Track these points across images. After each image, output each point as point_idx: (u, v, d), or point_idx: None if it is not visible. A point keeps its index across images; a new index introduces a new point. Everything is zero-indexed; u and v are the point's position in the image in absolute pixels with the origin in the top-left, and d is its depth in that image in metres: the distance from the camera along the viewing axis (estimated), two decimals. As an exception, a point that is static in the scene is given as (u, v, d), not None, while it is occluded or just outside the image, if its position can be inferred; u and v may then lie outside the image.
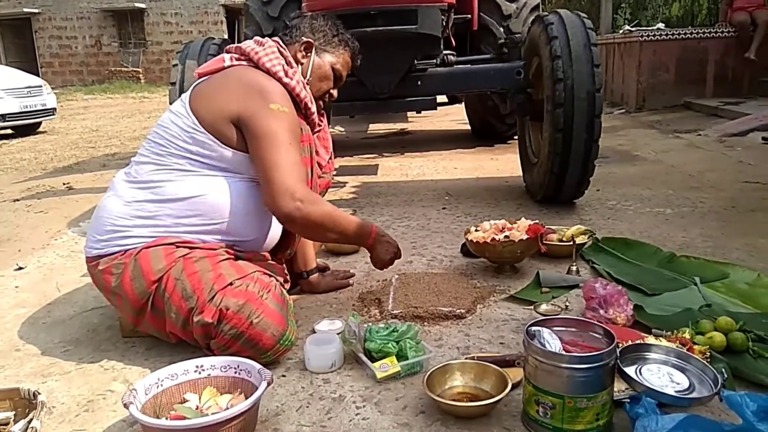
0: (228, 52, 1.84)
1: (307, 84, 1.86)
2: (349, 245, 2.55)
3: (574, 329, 1.38)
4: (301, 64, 1.87)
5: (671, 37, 7.09)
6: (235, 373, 1.42)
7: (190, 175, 1.68)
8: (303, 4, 3.16)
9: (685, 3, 12.00)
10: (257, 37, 1.86)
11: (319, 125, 1.97)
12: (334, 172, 4.17)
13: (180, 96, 1.86)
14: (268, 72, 1.76)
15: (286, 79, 1.77)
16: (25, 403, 1.41)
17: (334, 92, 2.00)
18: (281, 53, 1.81)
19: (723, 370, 1.38)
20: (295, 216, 1.64)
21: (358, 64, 2.03)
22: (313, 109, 1.88)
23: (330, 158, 2.05)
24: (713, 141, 5.06)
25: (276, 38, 1.88)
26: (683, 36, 7.06)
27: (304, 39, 1.88)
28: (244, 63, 1.80)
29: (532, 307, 1.88)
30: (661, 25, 8.56)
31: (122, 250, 1.64)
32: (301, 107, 1.83)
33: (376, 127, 7.07)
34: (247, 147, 1.69)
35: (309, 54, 1.89)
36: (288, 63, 1.81)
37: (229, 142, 1.68)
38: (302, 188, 1.66)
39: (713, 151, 4.64)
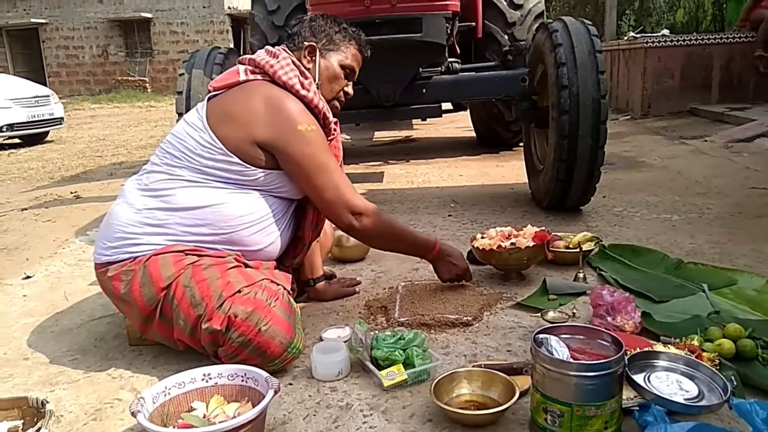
0: (242, 63, 1.84)
1: (318, 88, 1.84)
2: (356, 252, 2.55)
3: (581, 337, 1.37)
4: (308, 69, 1.84)
5: (676, 43, 7.09)
6: (243, 381, 1.42)
7: (202, 185, 1.69)
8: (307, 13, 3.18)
9: (690, 9, 12.02)
10: (269, 47, 1.85)
11: (332, 133, 1.97)
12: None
13: (188, 105, 1.87)
14: (284, 85, 1.75)
15: (303, 92, 1.76)
16: (34, 412, 1.41)
17: (349, 89, 1.97)
18: (294, 63, 1.80)
19: (732, 377, 1.37)
20: (357, 227, 1.80)
21: (367, 54, 1.99)
22: (331, 117, 1.87)
23: (339, 166, 2.05)
24: (719, 147, 5.05)
25: (283, 47, 1.88)
26: (688, 42, 7.06)
27: (307, 43, 1.86)
28: (259, 77, 1.78)
29: (539, 314, 1.87)
30: (665, 32, 8.57)
31: (132, 257, 1.65)
32: (319, 117, 1.82)
33: (382, 135, 7.08)
34: (275, 164, 1.73)
35: (314, 58, 1.87)
36: (302, 73, 1.80)
37: (258, 163, 1.71)
38: (359, 201, 1.80)
39: (719, 157, 4.62)
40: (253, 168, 1.71)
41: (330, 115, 1.87)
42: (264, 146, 1.70)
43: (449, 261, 2.05)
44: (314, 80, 1.84)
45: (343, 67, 1.91)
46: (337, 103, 1.95)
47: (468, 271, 2.10)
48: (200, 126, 1.72)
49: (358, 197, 1.81)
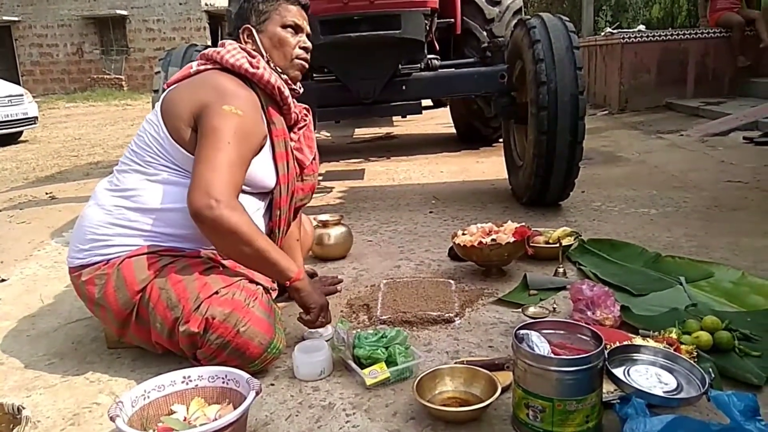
0: (197, 59, 1.81)
1: (271, 62, 1.79)
2: (337, 250, 2.54)
3: (562, 332, 1.39)
4: (255, 50, 1.79)
5: (652, 38, 7.18)
6: (223, 383, 1.40)
7: (170, 183, 1.66)
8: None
9: (665, 5, 12.17)
10: (221, 41, 1.84)
11: (304, 120, 1.93)
12: (320, 177, 4.15)
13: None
14: (232, 67, 1.71)
15: (252, 70, 1.72)
16: (9, 418, 1.38)
17: (306, 42, 1.85)
18: (242, 48, 1.77)
19: (710, 369, 1.39)
20: (205, 215, 1.51)
21: (304, 1, 1.86)
22: (287, 92, 1.80)
23: (314, 159, 2.01)
24: (695, 141, 5.12)
25: (231, 40, 1.83)
26: (664, 37, 7.15)
27: (240, 29, 1.82)
28: (210, 67, 1.75)
29: (520, 309, 1.88)
30: (641, 27, 8.68)
31: (105, 260, 1.62)
32: (275, 95, 1.78)
33: (362, 132, 7.07)
34: None
35: (253, 38, 1.81)
36: (250, 54, 1.76)
37: (188, 146, 1.63)
38: (224, 189, 1.54)
39: (695, 151, 4.69)
40: (191, 154, 1.63)
41: (286, 91, 1.80)
42: (192, 125, 1.63)
43: (302, 300, 1.69)
44: (262, 57, 1.78)
45: (284, 27, 1.80)
46: (298, 62, 1.85)
47: (315, 318, 1.71)
48: (155, 121, 1.69)
49: (227, 188, 1.55)
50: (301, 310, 1.73)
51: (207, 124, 1.60)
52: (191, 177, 1.58)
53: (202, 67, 1.76)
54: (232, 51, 1.74)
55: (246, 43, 1.81)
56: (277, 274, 1.68)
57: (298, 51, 1.84)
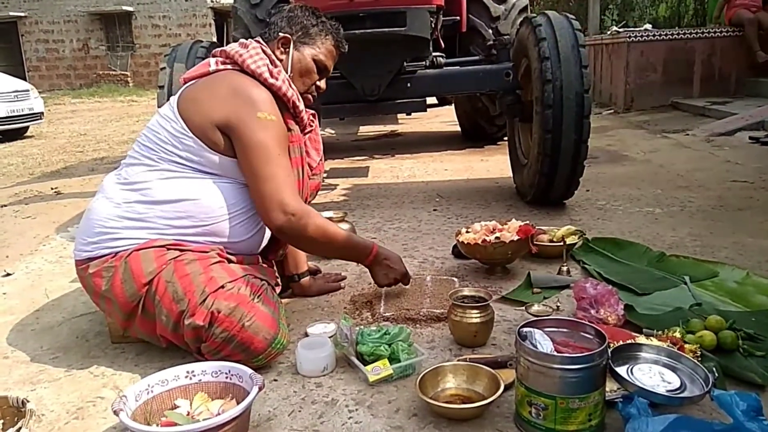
0: (214, 56, 1.82)
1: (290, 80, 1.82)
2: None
3: (565, 330, 1.38)
4: (281, 60, 1.82)
5: (658, 37, 7.15)
6: (227, 378, 1.41)
7: (180, 177, 1.67)
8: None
9: (672, 4, 12.12)
10: (242, 40, 1.84)
11: (310, 125, 1.95)
12: (325, 174, 4.16)
13: (168, 99, 1.84)
14: (253, 74, 1.74)
15: (271, 80, 1.74)
16: (14, 411, 1.39)
17: (322, 84, 1.92)
18: (265, 53, 1.79)
19: (714, 369, 1.39)
20: (287, 229, 1.67)
21: (344, 50, 1.94)
22: (301, 107, 1.84)
23: (320, 160, 2.03)
24: (701, 141, 5.10)
25: (257, 38, 1.85)
26: (670, 36, 7.12)
27: (281, 34, 1.83)
28: (229, 67, 1.77)
29: (523, 308, 1.88)
30: (648, 26, 8.63)
31: (112, 253, 1.63)
32: (289, 106, 1.81)
33: (367, 129, 7.07)
34: (233, 152, 1.69)
35: (287, 50, 1.84)
36: (272, 62, 1.78)
37: (216, 147, 1.67)
38: (294, 201, 1.68)
39: (701, 151, 4.67)
40: (217, 154, 1.68)
41: (301, 105, 1.85)
42: (222, 128, 1.66)
43: (386, 265, 1.94)
44: (287, 72, 1.81)
45: (316, 62, 1.86)
46: (309, 97, 1.92)
47: (406, 276, 1.98)
48: (172, 116, 1.70)
49: (295, 198, 1.69)
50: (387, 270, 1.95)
51: (249, 137, 1.65)
52: (258, 195, 1.68)
53: (221, 66, 1.77)
54: (254, 56, 1.76)
55: (278, 49, 1.83)
56: (355, 257, 1.94)
57: (312, 88, 1.92)
